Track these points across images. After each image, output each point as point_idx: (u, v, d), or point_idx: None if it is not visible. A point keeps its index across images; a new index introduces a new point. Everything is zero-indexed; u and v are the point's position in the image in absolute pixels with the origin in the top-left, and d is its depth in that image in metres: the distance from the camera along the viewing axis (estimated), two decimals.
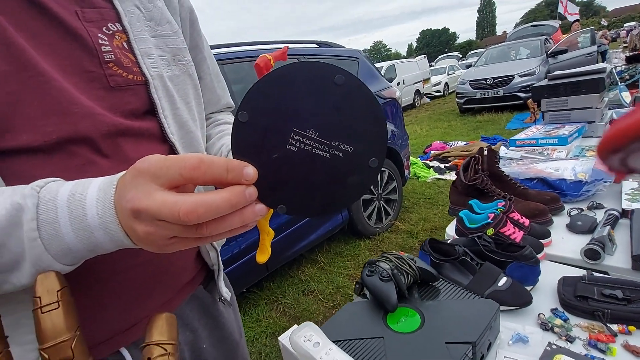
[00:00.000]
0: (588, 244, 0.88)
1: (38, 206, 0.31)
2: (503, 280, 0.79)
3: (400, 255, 0.78)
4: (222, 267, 0.63)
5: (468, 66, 10.58)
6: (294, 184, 0.30)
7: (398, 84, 9.99)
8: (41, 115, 0.39)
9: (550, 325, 0.71)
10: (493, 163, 1.23)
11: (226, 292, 0.65)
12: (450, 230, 1.14)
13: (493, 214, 0.96)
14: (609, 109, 2.02)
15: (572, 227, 1.01)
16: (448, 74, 13.21)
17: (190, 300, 0.60)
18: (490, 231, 0.93)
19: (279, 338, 0.62)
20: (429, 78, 12.46)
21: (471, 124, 6.52)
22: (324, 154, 0.30)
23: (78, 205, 0.31)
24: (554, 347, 0.63)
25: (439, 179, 3.90)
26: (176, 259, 0.53)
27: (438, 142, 5.20)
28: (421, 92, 11.35)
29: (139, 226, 0.29)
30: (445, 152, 4.61)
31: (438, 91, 12.59)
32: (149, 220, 0.28)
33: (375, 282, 0.73)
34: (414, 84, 10.93)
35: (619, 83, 3.21)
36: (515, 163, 1.49)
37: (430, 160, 4.54)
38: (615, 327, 0.67)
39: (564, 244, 0.97)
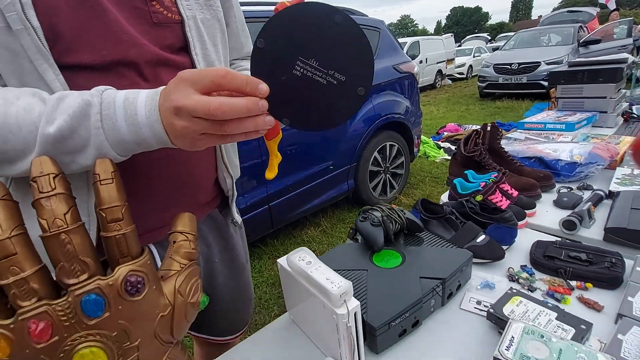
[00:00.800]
0: (567, 216, 0.95)
1: (101, 104, 0.40)
2: (481, 238, 0.87)
3: (392, 206, 0.87)
4: (236, 194, 0.73)
5: (495, 49, 10.16)
6: (296, 102, 0.39)
7: (420, 62, 9.71)
8: (99, 40, 0.47)
9: (516, 277, 0.80)
10: (494, 139, 1.28)
11: (237, 217, 0.75)
12: (445, 198, 1.22)
13: (484, 183, 1.03)
14: (631, 104, 2.00)
15: (558, 203, 1.08)
16: (474, 56, 12.73)
17: (207, 219, 0.71)
18: (478, 197, 1.01)
19: (277, 260, 0.72)
20: (454, 59, 12.05)
21: (489, 109, 6.40)
22: (322, 80, 0.38)
23: (131, 106, 0.40)
24: (514, 291, 0.72)
25: (448, 160, 3.93)
26: (199, 178, 0.63)
27: (452, 124, 5.16)
28: (443, 73, 11.04)
29: (178, 122, 0.38)
30: (458, 135, 4.59)
31: (461, 73, 12.22)
32: (186, 117, 0.37)
33: (366, 227, 0.83)
34: (437, 63, 10.59)
35: None
36: (517, 143, 1.53)
37: (442, 142, 4.55)
38: (574, 283, 0.76)
39: (547, 216, 1.04)
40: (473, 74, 12.14)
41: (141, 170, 0.54)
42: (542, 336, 0.57)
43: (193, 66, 0.58)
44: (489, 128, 1.29)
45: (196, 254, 0.47)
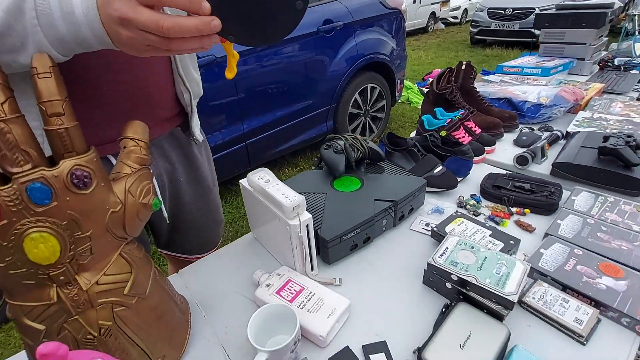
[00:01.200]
0: (521, 152, 1.01)
1: (35, 0, 0.38)
2: (439, 169, 0.92)
3: (355, 136, 0.89)
4: (195, 110, 0.73)
5: None
6: (239, 18, 0.38)
7: (414, 1, 9.16)
8: None
9: (464, 203, 0.87)
10: (467, 78, 1.29)
11: (199, 135, 0.76)
12: (413, 135, 1.25)
13: (450, 119, 1.06)
14: (614, 57, 1.98)
15: (517, 142, 1.13)
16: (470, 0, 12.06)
17: (169, 137, 0.71)
18: (443, 132, 1.04)
19: (240, 181, 0.75)
20: (449, 0, 11.40)
21: (478, 57, 6.26)
22: None
23: (67, 3, 0.38)
24: (458, 214, 0.79)
25: None
26: (153, 90, 0.62)
27: (439, 70, 5.06)
28: (437, 16, 10.50)
29: (123, 31, 0.37)
30: None
31: (455, 17, 11.64)
32: (132, 28, 0.37)
33: (329, 154, 0.85)
34: (432, 4, 10.02)
35: (637, 34, 3.07)
36: (491, 85, 1.54)
37: (426, 88, 4.49)
38: (514, 209, 0.83)
39: (504, 154, 1.09)
40: (467, 19, 11.61)
41: (88, 75, 0.52)
42: (473, 247, 0.64)
43: None
44: (463, 67, 1.28)
45: (148, 160, 0.48)
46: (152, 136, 0.65)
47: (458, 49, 7.17)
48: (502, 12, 6.63)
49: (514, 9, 6.49)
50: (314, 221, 0.69)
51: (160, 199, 0.52)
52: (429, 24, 10.34)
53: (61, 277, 0.40)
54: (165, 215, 0.72)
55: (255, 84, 2.07)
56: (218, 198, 0.91)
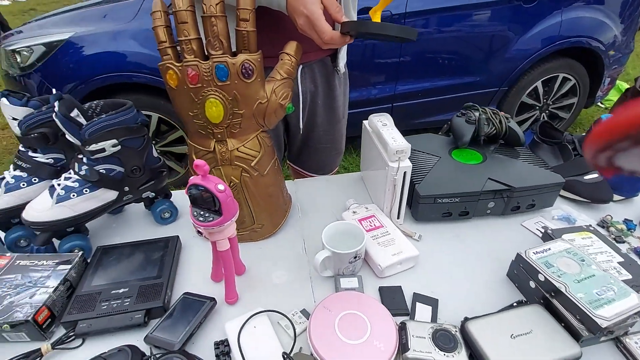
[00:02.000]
0: None
1: None
2: (592, 176, 0.77)
3: (497, 111, 0.82)
4: (345, 48, 0.83)
5: None
6: None
7: None
8: None
9: (609, 224, 0.71)
10: None
11: (342, 67, 0.88)
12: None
13: None
14: None
15: None
16: None
17: (320, 63, 0.84)
18: None
19: (363, 121, 0.82)
20: None
21: None
22: None
23: None
24: (590, 228, 0.66)
25: None
26: None
27: None
28: None
29: (300, 20, 0.57)
30: None
31: None
32: (307, 22, 0.56)
33: (459, 121, 0.82)
34: None
35: None
36: None
37: None
38: None
39: None
40: None
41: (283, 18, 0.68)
42: (583, 260, 0.55)
43: None
44: None
45: (293, 73, 0.60)
46: (307, 59, 0.80)
47: None
48: None
49: None
50: (416, 177, 0.72)
51: (294, 106, 0.65)
52: None
53: (219, 135, 0.58)
54: (301, 125, 0.89)
55: (422, 49, 2.01)
56: (344, 130, 1.03)
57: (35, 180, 0.66)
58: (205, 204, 0.48)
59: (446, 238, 0.71)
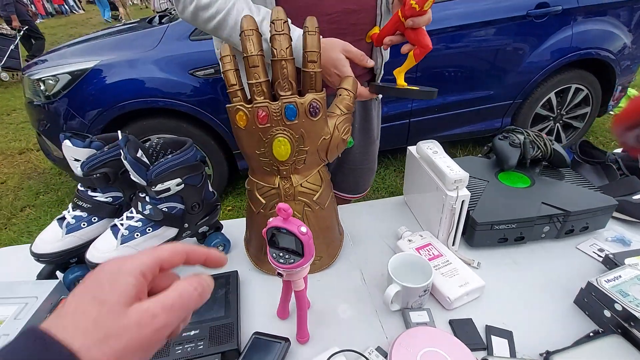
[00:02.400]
0: None
1: None
2: None
3: (539, 133, 0.83)
4: (382, 73, 0.86)
5: None
6: None
7: None
8: None
9: None
10: None
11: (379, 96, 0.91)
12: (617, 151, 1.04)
13: None
14: None
15: None
16: None
17: None
18: None
19: (408, 147, 0.83)
20: None
21: None
22: None
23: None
24: None
25: None
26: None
27: None
28: None
29: (331, 77, 0.65)
30: None
31: None
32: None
33: (503, 145, 0.83)
34: None
35: None
36: None
37: None
38: None
39: None
40: None
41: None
42: None
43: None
44: None
45: (352, 108, 0.61)
46: None
47: None
48: None
49: None
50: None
51: (353, 140, 0.67)
52: None
53: (284, 172, 0.59)
54: None
55: (437, 65, 2.04)
56: (377, 151, 1.06)
57: (94, 219, 0.66)
58: (287, 245, 0.48)
59: (504, 264, 0.70)
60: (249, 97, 0.55)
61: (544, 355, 0.52)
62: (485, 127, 2.34)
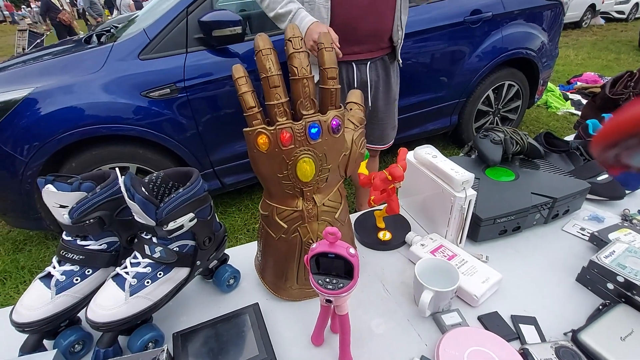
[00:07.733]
0: None
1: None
2: (604, 177, 0.88)
3: (515, 129, 0.91)
4: (401, 43, 1.25)
5: None
6: None
7: None
8: None
9: (630, 217, 0.81)
10: None
11: (399, 59, 1.31)
12: (568, 138, 1.18)
13: None
14: None
15: None
16: None
17: (381, 59, 1.27)
18: None
19: (407, 157, 0.85)
20: None
21: None
22: None
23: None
24: (625, 224, 0.75)
25: (573, 114, 3.43)
26: (384, 31, 1.20)
27: (591, 73, 4.32)
28: (597, 9, 8.79)
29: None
30: (595, 87, 3.87)
31: (621, 12, 9.54)
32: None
33: (486, 143, 0.89)
34: None
35: None
36: None
37: (572, 92, 3.91)
38: None
39: None
40: (638, 15, 9.41)
41: (354, 24, 1.12)
42: None
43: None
44: None
45: (364, 120, 0.61)
46: (373, 56, 1.23)
47: (621, 51, 5.96)
48: None
49: None
50: None
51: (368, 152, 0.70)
52: (585, 18, 8.73)
53: (307, 193, 0.56)
54: (369, 103, 1.30)
55: None
56: (397, 110, 1.43)
57: (88, 272, 0.57)
58: (335, 270, 0.46)
59: (507, 254, 0.75)
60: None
61: (570, 334, 0.56)
62: (438, 125, 2.50)
